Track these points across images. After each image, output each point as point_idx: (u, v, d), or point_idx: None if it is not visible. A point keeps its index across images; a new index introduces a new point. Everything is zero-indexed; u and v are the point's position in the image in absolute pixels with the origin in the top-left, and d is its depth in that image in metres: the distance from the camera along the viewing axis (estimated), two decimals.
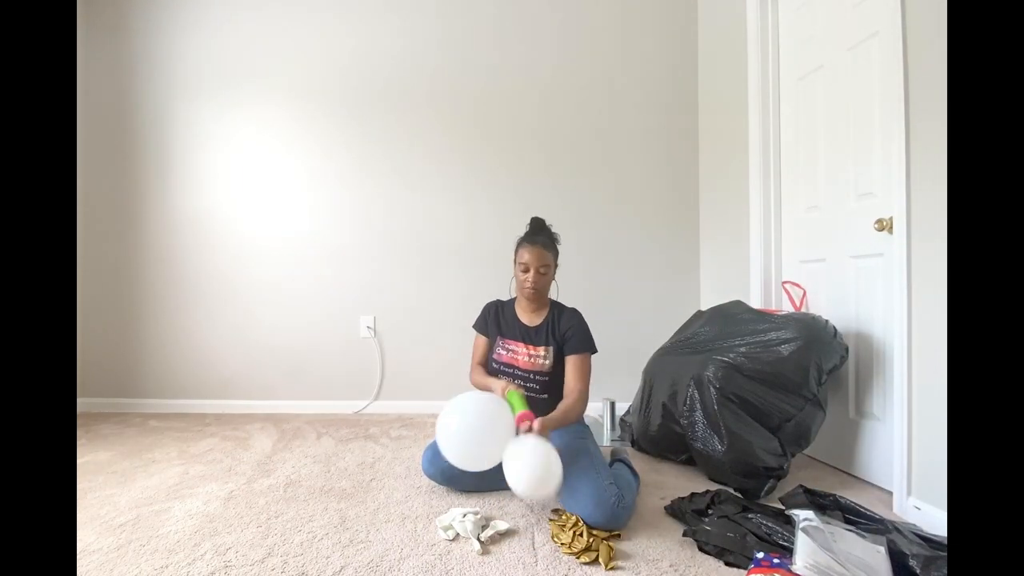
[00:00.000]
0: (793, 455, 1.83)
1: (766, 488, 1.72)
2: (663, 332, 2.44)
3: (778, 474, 1.76)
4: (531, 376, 1.79)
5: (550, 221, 1.91)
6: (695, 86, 2.98)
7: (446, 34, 2.98)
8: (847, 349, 1.86)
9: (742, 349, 1.84)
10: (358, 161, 2.98)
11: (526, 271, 1.78)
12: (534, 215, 1.91)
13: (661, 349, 2.19)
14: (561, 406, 1.70)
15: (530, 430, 1.50)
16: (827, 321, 1.85)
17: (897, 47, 1.62)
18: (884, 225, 1.70)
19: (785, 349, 1.78)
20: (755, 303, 2.33)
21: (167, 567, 1.29)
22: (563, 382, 1.80)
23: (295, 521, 1.55)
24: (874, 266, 1.83)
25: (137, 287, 2.97)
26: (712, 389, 1.80)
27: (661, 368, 2.08)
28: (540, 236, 1.83)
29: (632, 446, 2.26)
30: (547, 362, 1.79)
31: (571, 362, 1.77)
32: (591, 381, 1.80)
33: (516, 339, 1.84)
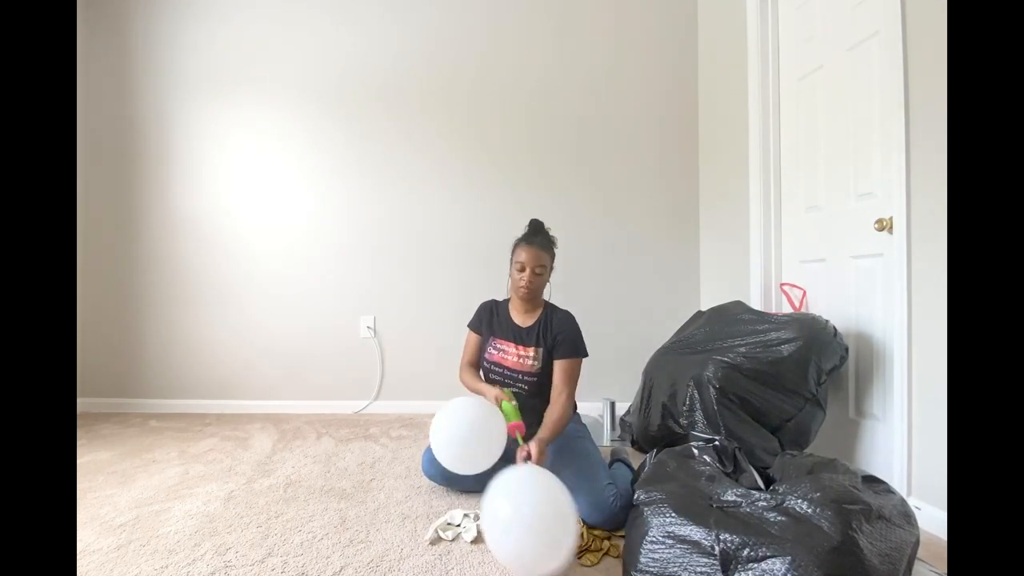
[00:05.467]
0: (793, 455, 1.83)
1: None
2: (663, 332, 2.44)
3: None
4: (519, 376, 1.78)
5: (550, 221, 1.90)
6: (695, 86, 2.98)
7: (446, 35, 2.98)
8: (847, 349, 1.86)
9: (742, 349, 1.84)
10: (358, 161, 2.98)
11: (522, 270, 1.77)
12: (533, 217, 1.90)
13: (661, 349, 2.19)
14: (549, 417, 1.65)
15: (528, 457, 1.46)
16: (827, 321, 1.85)
17: (897, 47, 1.62)
18: (884, 225, 1.70)
19: (785, 349, 1.78)
20: (755, 303, 2.33)
21: (167, 567, 1.29)
22: (550, 384, 1.78)
23: (295, 521, 1.55)
24: (874, 266, 1.82)
25: (137, 287, 2.97)
26: (712, 389, 1.79)
27: (661, 368, 2.08)
28: (538, 237, 1.82)
29: (632, 446, 2.26)
30: (536, 363, 1.77)
31: (558, 366, 1.75)
32: (581, 385, 1.81)
33: (507, 339, 1.83)
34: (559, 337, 1.78)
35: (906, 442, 1.59)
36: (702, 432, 1.81)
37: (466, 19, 2.98)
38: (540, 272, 1.77)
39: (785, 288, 2.22)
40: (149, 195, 2.97)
